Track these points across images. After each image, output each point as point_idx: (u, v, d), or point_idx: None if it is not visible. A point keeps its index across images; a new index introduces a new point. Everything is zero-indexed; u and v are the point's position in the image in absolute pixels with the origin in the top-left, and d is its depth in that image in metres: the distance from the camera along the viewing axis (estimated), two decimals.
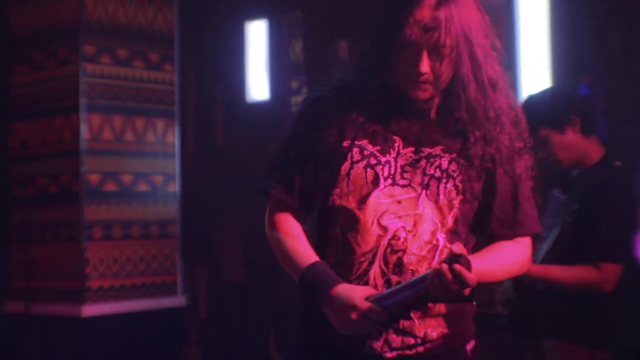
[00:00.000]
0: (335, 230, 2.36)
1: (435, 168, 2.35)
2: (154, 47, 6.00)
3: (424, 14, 2.26)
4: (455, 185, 2.35)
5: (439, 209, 2.34)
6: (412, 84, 2.32)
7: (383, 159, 2.35)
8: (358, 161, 2.34)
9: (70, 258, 5.62)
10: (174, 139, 6.06)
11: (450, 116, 2.37)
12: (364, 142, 2.36)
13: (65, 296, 5.65)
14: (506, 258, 2.42)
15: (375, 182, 2.33)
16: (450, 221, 2.35)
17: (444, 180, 2.35)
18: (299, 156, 2.43)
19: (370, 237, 2.31)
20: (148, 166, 5.94)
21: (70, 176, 5.64)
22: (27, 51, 5.92)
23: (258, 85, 6.68)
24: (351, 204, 2.34)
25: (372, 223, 2.31)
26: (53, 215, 5.74)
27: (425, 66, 2.29)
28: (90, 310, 5.58)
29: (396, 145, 2.36)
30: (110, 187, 5.73)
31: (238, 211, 6.71)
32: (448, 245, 2.29)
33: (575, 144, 3.46)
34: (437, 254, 2.31)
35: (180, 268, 6.11)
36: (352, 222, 2.33)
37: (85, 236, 5.58)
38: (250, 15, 6.66)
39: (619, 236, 3.39)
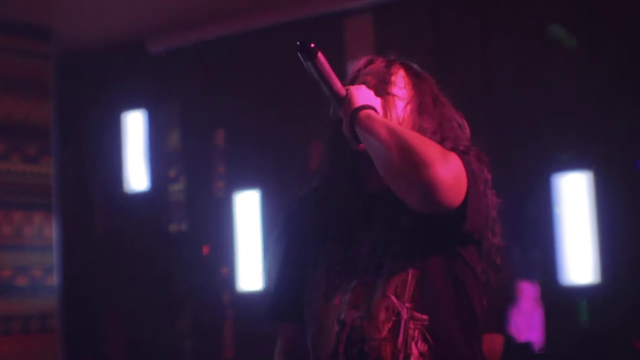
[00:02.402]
0: (307, 338, 2.28)
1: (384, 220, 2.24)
2: (31, 140, 6.00)
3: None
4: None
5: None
6: None
7: (345, 257, 2.25)
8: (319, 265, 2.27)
9: None
10: (52, 232, 6.03)
11: None
12: (328, 245, 2.28)
13: None
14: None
15: (336, 283, 2.24)
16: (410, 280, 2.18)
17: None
18: (290, 286, 2.34)
19: (331, 337, 2.20)
20: (26, 260, 5.89)
21: None
22: None
23: (137, 175, 6.73)
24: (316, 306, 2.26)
25: (333, 323, 2.21)
26: None
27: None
28: None
29: (360, 242, 2.26)
30: None
31: (120, 299, 6.70)
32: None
33: None
34: (401, 330, 2.14)
35: None
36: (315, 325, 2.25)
37: None
38: (128, 106, 6.74)
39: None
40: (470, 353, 2.18)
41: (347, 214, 2.27)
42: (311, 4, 5.92)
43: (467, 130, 2.34)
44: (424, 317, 2.13)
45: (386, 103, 2.25)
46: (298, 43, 2.11)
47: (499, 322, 3.48)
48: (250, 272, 6.07)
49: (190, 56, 6.47)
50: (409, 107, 2.26)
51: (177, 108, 6.56)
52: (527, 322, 4.99)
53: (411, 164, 2.04)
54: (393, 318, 2.13)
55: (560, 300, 4.98)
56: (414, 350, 2.11)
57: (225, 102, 6.31)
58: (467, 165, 2.10)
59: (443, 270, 2.17)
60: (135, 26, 6.30)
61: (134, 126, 6.74)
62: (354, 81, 2.31)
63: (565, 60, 5.05)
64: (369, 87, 2.26)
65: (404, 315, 2.12)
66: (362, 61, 2.35)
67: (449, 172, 2.04)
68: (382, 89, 2.27)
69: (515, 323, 4.97)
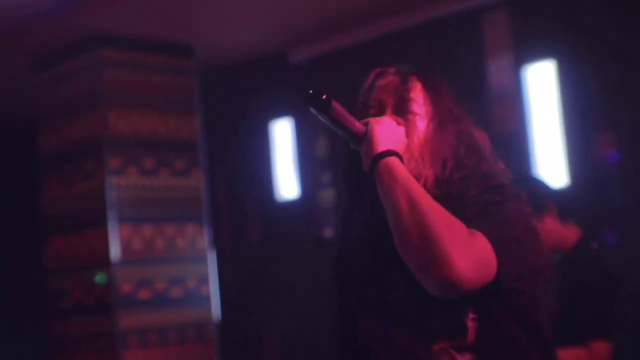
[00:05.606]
0: None
1: None
2: (179, 155, 6.15)
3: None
4: None
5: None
6: None
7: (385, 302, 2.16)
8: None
9: None
10: (204, 242, 6.17)
11: None
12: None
13: None
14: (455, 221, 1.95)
15: None
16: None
17: None
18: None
19: None
20: (180, 271, 6.05)
21: (103, 287, 5.76)
22: (56, 168, 6.11)
23: (287, 183, 6.80)
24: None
25: None
26: (89, 326, 5.85)
27: None
28: None
29: (396, 282, 2.15)
30: (144, 294, 5.83)
31: (276, 306, 6.79)
32: None
33: (554, 230, 3.50)
34: None
35: None
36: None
37: (121, 345, 5.68)
38: (274, 115, 6.82)
39: (604, 314, 3.42)
40: None
41: (377, 252, 2.13)
42: (447, 1, 5.85)
43: (487, 140, 2.19)
44: None
45: (407, 123, 2.12)
46: (310, 92, 2.02)
47: (602, 327, 3.36)
48: None
49: (330, 63, 6.48)
50: (430, 126, 2.13)
51: None
52: None
53: (430, 254, 1.89)
54: None
55: None
56: None
57: None
58: (496, 239, 1.95)
59: (499, 311, 2.03)
60: (275, 37, 6.38)
61: (282, 135, 6.82)
62: (367, 99, 2.19)
63: None
64: (386, 105, 2.15)
65: None
66: (372, 75, 2.22)
67: (472, 263, 1.90)
68: (401, 108, 2.15)
69: None
